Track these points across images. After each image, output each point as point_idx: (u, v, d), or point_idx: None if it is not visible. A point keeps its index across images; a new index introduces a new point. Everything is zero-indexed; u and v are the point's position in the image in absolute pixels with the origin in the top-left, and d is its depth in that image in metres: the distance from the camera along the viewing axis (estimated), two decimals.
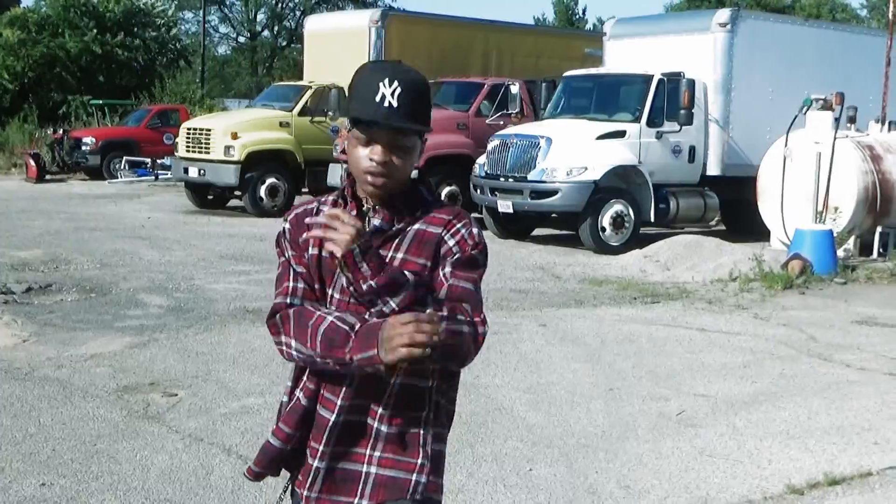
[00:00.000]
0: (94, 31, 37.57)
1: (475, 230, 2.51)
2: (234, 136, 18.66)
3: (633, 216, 15.13)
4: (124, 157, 26.85)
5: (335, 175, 17.87)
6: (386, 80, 2.42)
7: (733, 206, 17.08)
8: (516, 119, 17.58)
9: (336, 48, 20.56)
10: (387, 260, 2.43)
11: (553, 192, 14.88)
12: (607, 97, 16.56)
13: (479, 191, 16.09)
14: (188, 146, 19.46)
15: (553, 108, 16.77)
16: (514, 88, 17.90)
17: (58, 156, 27.98)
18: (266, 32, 68.41)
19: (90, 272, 11.77)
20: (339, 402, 2.46)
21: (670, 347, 8.70)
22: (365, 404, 2.47)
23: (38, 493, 5.07)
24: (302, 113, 19.37)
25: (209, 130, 19.21)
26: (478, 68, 21.05)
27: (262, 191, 18.69)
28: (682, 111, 15.26)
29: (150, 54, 41.00)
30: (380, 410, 2.45)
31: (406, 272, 2.41)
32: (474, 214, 16.80)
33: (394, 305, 2.35)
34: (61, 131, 29.08)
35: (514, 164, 15.39)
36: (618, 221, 14.99)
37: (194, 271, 11.99)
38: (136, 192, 23.42)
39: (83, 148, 27.28)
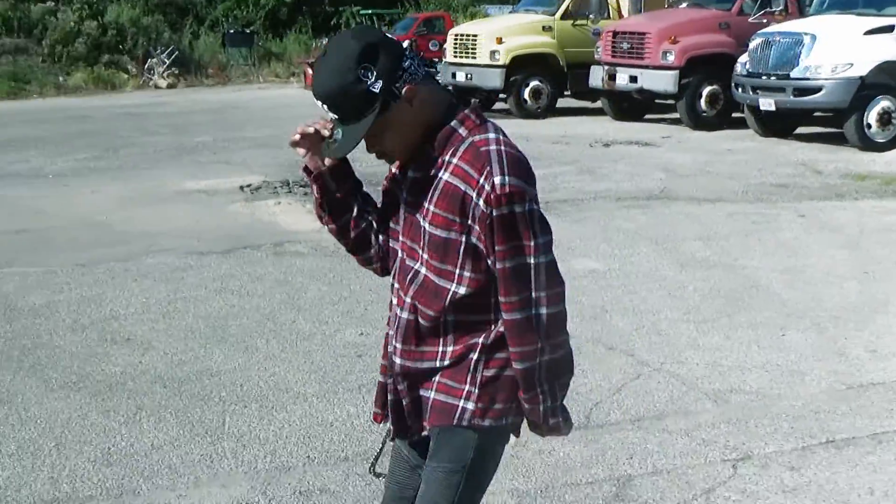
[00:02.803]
0: None
1: (497, 179, 2.37)
2: (499, 41, 19.39)
3: None
4: None
5: (597, 77, 18.32)
6: (315, 98, 2.45)
7: None
8: (780, 17, 17.42)
9: None
10: (423, 210, 2.48)
11: (817, 90, 14.82)
12: None
13: (740, 89, 16.17)
14: (455, 52, 20.38)
15: (819, 5, 16.51)
16: None
17: None
18: None
19: (369, 169, 12.88)
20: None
21: None
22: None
23: (357, 339, 6.10)
24: (564, 17, 19.80)
25: (475, 36, 20.03)
26: None
27: (526, 93, 19.36)
28: None
29: None
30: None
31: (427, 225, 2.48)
32: (735, 114, 16.95)
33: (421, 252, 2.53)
34: None
35: (776, 61, 15.38)
36: (884, 118, 14.77)
37: None
38: None
39: None
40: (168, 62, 29.10)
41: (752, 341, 6.00)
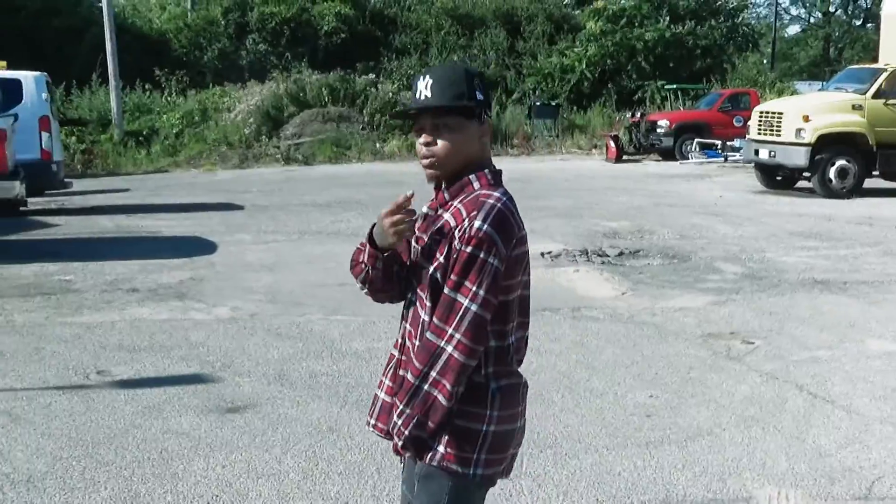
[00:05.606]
0: (668, 19, 39.47)
1: (477, 223, 2.64)
2: (806, 119, 19.22)
3: None
4: (695, 139, 28.21)
5: None
6: (421, 78, 2.77)
7: None
8: None
9: None
10: (421, 242, 2.81)
11: None
12: None
13: None
14: (760, 129, 20.34)
15: None
16: None
17: (634, 137, 30.09)
18: (839, 12, 67.05)
19: (671, 242, 13.21)
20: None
21: None
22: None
23: (647, 401, 6.47)
24: (876, 96, 19.40)
25: (780, 114, 19.93)
26: None
27: (832, 172, 19.05)
28: None
29: (718, 40, 42.15)
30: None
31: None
32: None
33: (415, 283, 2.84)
34: (638, 115, 31.16)
35: None
36: None
37: (765, 245, 12.97)
38: (707, 173, 24.69)
39: (658, 130, 29.05)
40: None
41: None
